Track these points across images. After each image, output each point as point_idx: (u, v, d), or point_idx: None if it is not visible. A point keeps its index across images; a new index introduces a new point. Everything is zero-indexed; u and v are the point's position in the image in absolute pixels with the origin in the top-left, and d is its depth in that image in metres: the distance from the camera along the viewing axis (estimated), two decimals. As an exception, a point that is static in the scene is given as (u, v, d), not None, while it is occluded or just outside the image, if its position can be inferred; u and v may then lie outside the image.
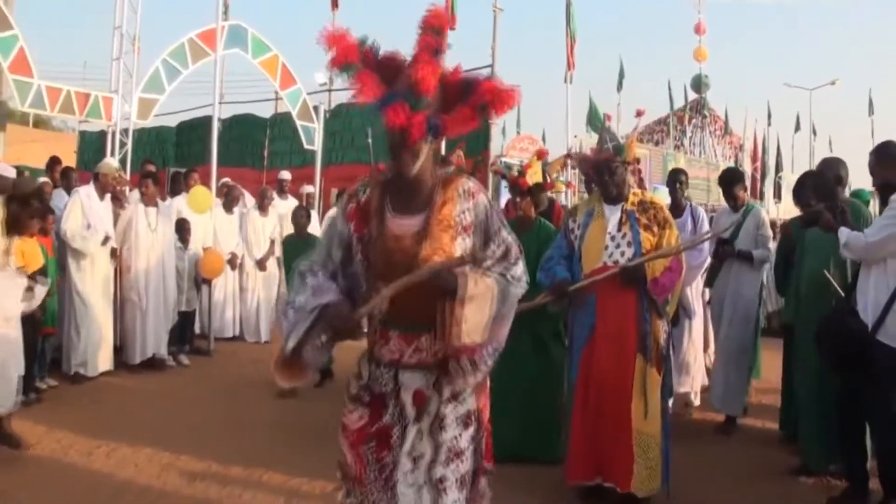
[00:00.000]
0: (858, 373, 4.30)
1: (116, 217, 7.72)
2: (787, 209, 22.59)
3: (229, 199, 9.55)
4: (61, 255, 7.11)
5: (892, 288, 4.11)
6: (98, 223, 7.25)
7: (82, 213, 7.05)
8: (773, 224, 10.88)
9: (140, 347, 7.74)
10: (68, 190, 8.12)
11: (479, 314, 2.48)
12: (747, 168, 33.93)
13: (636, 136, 4.94)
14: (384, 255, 2.53)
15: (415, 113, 2.38)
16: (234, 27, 12.01)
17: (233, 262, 9.32)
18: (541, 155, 6.33)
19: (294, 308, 2.54)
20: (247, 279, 9.80)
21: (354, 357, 2.77)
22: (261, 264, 9.75)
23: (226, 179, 10.61)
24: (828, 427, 4.79)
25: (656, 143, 36.12)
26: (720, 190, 6.69)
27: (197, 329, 9.05)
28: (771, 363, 6.62)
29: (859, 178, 7.57)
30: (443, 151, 6.00)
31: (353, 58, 2.44)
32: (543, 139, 27.61)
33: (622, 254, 4.36)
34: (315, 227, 9.47)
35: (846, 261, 4.75)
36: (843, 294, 4.59)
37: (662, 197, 6.99)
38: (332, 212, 2.73)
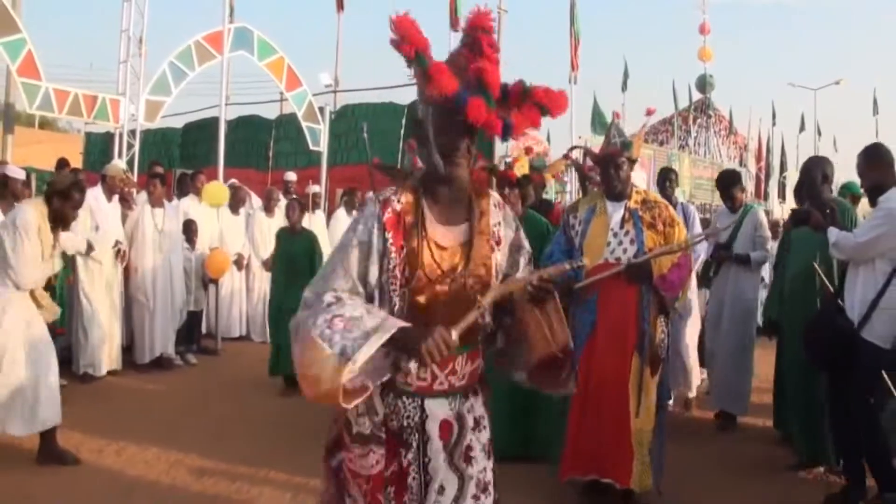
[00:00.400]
0: (844, 371, 4.36)
1: (124, 219, 7.80)
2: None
3: (235, 200, 9.63)
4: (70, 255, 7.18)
5: (880, 287, 4.19)
6: (106, 225, 7.34)
7: (90, 215, 7.13)
8: (777, 224, 10.95)
9: (148, 347, 7.83)
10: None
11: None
12: (752, 168, 33.98)
13: (642, 134, 4.94)
14: (429, 268, 2.32)
15: (491, 111, 2.25)
16: (239, 29, 12.11)
17: (239, 262, 9.41)
18: (528, 151, 6.36)
19: (346, 320, 2.16)
20: (253, 279, 9.88)
21: None
22: (267, 265, 9.83)
23: (232, 181, 10.69)
24: (817, 423, 4.87)
25: (661, 144, 36.07)
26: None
27: (204, 329, 9.14)
28: (771, 362, 6.68)
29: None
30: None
31: (426, 49, 2.25)
32: (548, 140, 27.66)
33: (624, 251, 4.34)
34: (319, 227, 9.58)
35: (832, 259, 4.80)
36: (832, 288, 4.65)
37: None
38: (355, 225, 2.35)
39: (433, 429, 2.35)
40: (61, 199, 5.00)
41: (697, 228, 6.67)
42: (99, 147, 16.78)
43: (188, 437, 5.59)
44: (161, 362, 7.89)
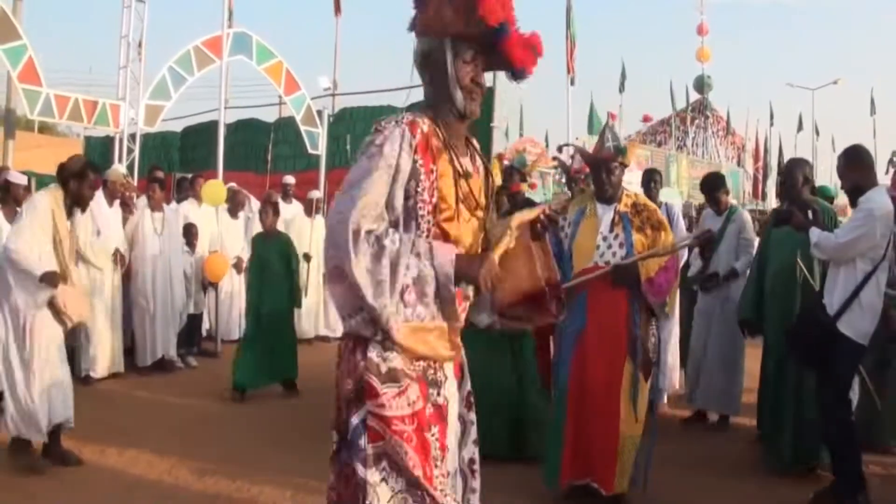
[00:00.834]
0: (823, 366, 4.45)
1: (125, 222, 7.89)
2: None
3: (234, 204, 9.69)
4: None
5: (859, 283, 4.29)
6: (107, 229, 7.43)
7: (92, 219, 7.22)
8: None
9: (149, 350, 7.92)
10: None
11: None
12: (749, 168, 34.09)
13: (638, 139, 4.96)
14: (461, 192, 2.31)
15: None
16: (238, 34, 12.18)
17: (238, 265, 9.47)
18: (500, 157, 6.34)
19: (412, 286, 2.16)
20: (252, 282, 9.92)
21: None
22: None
23: (231, 184, 10.75)
24: (799, 423, 4.92)
25: (659, 145, 36.20)
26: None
27: (204, 331, 9.22)
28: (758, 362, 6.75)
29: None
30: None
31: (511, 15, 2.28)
32: (546, 141, 27.76)
33: (614, 254, 4.32)
34: (320, 231, 9.63)
35: (811, 259, 4.86)
36: (814, 284, 4.73)
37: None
38: (379, 147, 2.21)
39: (449, 368, 2.36)
40: (77, 179, 5.05)
41: (680, 228, 6.72)
42: (99, 151, 16.82)
43: (189, 437, 5.68)
44: (162, 365, 7.97)
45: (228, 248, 9.31)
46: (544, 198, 16.34)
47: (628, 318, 4.28)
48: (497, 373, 5.07)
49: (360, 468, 2.17)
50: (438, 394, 2.29)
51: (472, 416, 2.47)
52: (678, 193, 21.49)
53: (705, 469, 5.22)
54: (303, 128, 13.38)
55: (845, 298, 4.31)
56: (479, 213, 2.39)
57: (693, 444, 5.79)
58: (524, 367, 5.30)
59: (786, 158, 34.05)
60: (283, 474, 4.84)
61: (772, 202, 29.31)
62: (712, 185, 6.48)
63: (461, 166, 2.32)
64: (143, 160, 12.53)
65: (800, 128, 38.85)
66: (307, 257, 9.68)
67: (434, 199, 2.25)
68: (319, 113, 13.92)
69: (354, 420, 2.21)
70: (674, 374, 6.91)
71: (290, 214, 9.99)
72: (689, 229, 8.27)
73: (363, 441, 2.18)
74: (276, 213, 7.43)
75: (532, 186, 5.19)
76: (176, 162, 16.68)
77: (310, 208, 10.01)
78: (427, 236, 2.24)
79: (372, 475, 2.16)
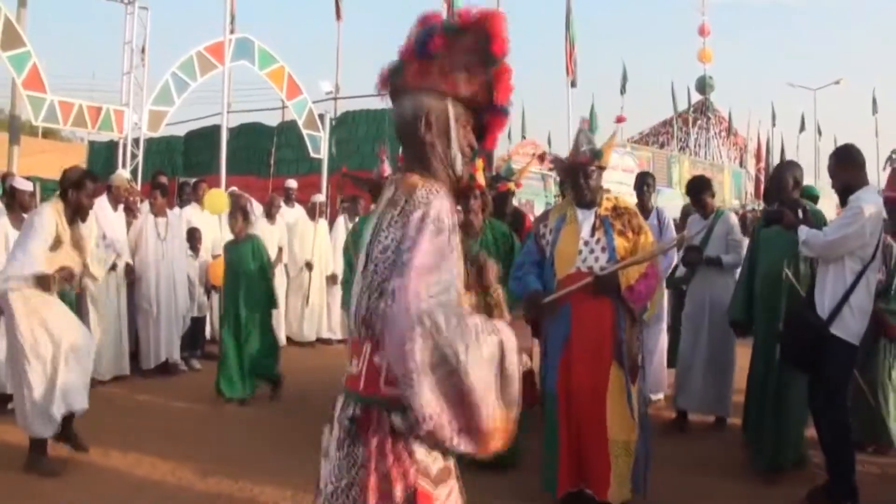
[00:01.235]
0: (815, 368, 4.48)
1: (129, 227, 7.99)
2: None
3: (236, 208, 9.76)
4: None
5: (849, 285, 4.31)
6: (112, 234, 7.55)
7: (97, 224, 7.31)
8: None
9: (153, 353, 8.01)
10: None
11: None
12: (751, 169, 34.08)
13: (613, 142, 4.80)
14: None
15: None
16: (240, 40, 12.29)
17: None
18: (484, 160, 6.29)
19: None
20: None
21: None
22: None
23: (232, 188, 10.84)
24: (780, 423, 4.96)
25: (661, 146, 36.22)
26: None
27: (208, 334, 9.30)
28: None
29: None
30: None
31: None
32: (549, 143, 27.85)
33: (596, 259, 4.27)
34: (323, 235, 9.72)
35: (799, 260, 4.92)
36: (801, 291, 4.76)
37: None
38: (447, 228, 1.90)
39: None
40: (76, 189, 5.17)
41: (671, 233, 6.70)
42: (103, 156, 16.97)
43: (192, 439, 5.78)
44: (166, 368, 8.07)
45: (231, 251, 9.39)
46: (546, 201, 16.43)
47: (613, 323, 4.24)
48: None
49: None
50: (457, 479, 2.05)
51: None
52: (680, 195, 21.49)
53: (701, 470, 5.26)
54: (305, 132, 13.47)
55: (836, 301, 4.32)
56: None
57: (689, 446, 5.83)
58: None
59: (788, 159, 34.21)
60: (284, 475, 4.92)
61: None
62: (697, 187, 6.50)
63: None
64: (147, 164, 12.65)
65: (802, 128, 38.93)
66: (309, 266, 9.77)
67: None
68: (321, 117, 14.01)
69: None
70: (663, 378, 6.94)
71: (293, 218, 10.08)
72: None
73: None
74: (246, 218, 7.31)
75: (518, 185, 5.15)
76: (180, 166, 16.80)
77: (312, 212, 10.06)
78: None
79: None
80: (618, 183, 15.80)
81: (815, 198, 6.31)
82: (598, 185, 4.42)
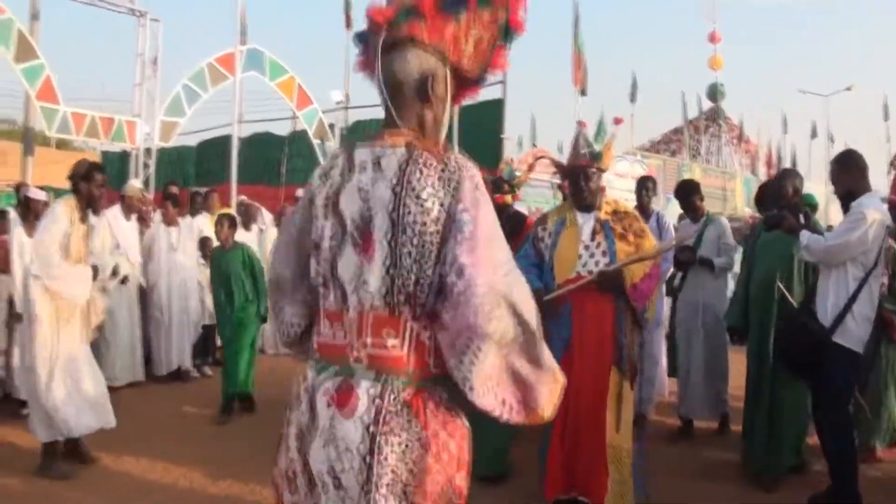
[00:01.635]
0: (815, 375, 4.47)
1: (142, 236, 8.10)
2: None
3: (246, 217, 9.85)
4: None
5: (852, 292, 4.28)
6: (126, 243, 7.67)
7: (110, 233, 7.43)
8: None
9: (165, 360, 8.12)
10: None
11: None
12: (762, 176, 33.99)
13: (612, 144, 4.68)
14: None
15: None
16: (251, 51, 12.42)
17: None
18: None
19: None
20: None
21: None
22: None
23: (241, 197, 10.92)
24: (773, 429, 4.97)
25: (672, 154, 36.17)
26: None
27: (219, 342, 9.36)
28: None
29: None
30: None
31: None
32: (560, 151, 27.83)
33: (596, 263, 4.22)
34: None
35: (796, 266, 4.93)
36: (794, 304, 4.74)
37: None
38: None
39: None
40: (86, 181, 5.24)
41: (671, 237, 6.52)
42: (115, 166, 17.05)
43: (203, 442, 5.88)
44: (179, 374, 8.18)
45: (242, 260, 9.46)
46: (554, 204, 16.41)
47: (614, 325, 4.19)
48: None
49: None
50: None
51: None
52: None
53: (702, 475, 5.28)
54: (316, 141, 13.57)
55: (838, 309, 4.29)
56: None
57: (689, 451, 5.86)
58: None
59: (800, 166, 34.16)
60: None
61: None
62: (686, 191, 6.50)
63: None
64: (159, 174, 12.77)
65: (813, 135, 38.78)
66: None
67: None
68: (332, 126, 14.11)
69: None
70: (662, 383, 6.95)
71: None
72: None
73: None
74: (233, 226, 7.22)
75: (514, 197, 5.12)
76: (192, 175, 16.90)
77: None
78: None
79: None
80: (628, 191, 15.79)
81: (814, 207, 6.32)
82: (597, 187, 4.39)
